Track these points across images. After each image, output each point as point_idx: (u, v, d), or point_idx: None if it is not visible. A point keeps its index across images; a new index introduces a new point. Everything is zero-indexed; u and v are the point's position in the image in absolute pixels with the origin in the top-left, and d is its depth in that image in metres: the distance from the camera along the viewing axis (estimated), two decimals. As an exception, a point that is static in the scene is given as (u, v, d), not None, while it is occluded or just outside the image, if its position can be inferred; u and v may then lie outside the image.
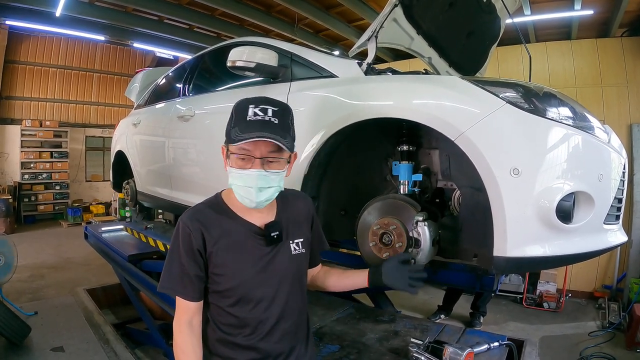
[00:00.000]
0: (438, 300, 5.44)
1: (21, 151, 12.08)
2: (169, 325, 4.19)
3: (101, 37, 10.43)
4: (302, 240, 1.55)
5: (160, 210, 5.77)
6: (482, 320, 5.09)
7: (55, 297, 5.95)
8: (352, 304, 3.03)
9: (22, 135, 12.10)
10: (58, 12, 7.36)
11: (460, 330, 2.50)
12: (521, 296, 5.97)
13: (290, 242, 1.52)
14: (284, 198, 1.55)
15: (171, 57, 11.10)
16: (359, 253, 3.46)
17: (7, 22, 9.74)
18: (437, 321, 4.70)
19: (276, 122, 1.33)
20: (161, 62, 11.72)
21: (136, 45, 11.20)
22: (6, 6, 7.40)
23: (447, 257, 2.15)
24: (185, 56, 9.23)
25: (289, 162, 1.43)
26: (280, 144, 1.32)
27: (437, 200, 2.24)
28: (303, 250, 1.54)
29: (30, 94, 12.51)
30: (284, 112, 1.39)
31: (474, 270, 2.80)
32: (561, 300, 5.77)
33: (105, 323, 4.89)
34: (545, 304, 5.77)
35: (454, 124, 1.74)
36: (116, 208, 11.91)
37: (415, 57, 3.23)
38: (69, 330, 4.62)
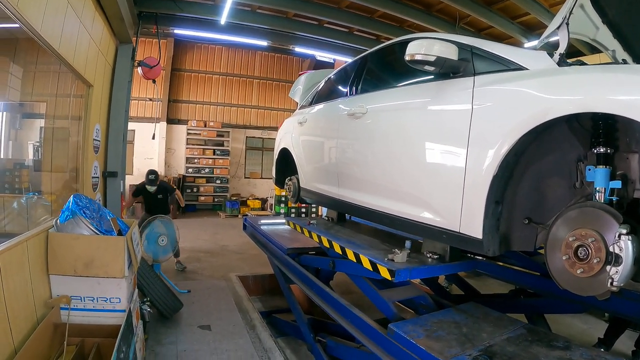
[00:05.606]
0: (597, 332, 4.83)
1: (186, 148, 14.31)
2: (317, 320, 4.42)
3: (263, 43, 11.65)
4: None
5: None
6: None
7: (208, 279, 6.70)
8: (521, 323, 2.86)
9: (188, 134, 14.38)
10: (223, 20, 8.37)
11: None
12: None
13: None
14: None
15: (332, 61, 11.68)
16: (518, 268, 3.30)
17: (176, 31, 11.36)
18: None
19: None
20: (318, 67, 12.49)
21: (297, 49, 12.18)
22: (175, 17, 8.53)
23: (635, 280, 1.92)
24: (344, 59, 9.64)
25: None
26: None
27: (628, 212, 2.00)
28: None
29: (196, 98, 14.74)
30: None
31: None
32: None
33: (254, 310, 5.39)
34: None
35: None
36: (272, 204, 13.21)
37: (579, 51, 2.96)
38: (217, 311, 5.18)
